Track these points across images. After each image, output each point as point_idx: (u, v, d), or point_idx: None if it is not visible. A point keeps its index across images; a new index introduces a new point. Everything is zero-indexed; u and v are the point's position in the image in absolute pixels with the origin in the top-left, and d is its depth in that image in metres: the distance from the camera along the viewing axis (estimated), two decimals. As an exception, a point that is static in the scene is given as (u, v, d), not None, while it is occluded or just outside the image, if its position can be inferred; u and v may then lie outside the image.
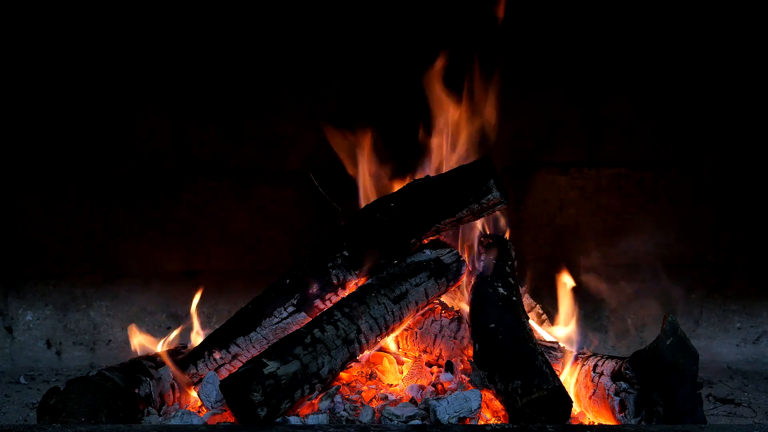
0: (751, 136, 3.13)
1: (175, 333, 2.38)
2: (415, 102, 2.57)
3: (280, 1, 3.01)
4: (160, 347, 2.30)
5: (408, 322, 2.23)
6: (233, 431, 1.84)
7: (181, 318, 3.02)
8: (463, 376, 2.16)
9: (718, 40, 3.06)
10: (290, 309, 2.20)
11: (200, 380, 2.17)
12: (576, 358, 2.12)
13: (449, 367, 2.21)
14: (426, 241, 2.28)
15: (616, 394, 1.89)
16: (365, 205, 2.32)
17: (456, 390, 2.05)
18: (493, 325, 2.04)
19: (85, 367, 2.97)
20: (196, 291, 2.54)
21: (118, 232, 3.12)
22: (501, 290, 2.18)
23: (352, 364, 2.13)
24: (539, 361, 1.89)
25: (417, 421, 1.88)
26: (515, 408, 1.81)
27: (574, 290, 2.40)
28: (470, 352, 2.14)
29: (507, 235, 2.51)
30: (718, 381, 2.81)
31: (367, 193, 2.47)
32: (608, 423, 1.93)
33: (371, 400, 2.05)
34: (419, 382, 2.15)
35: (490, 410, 1.99)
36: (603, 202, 3.17)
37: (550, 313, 2.47)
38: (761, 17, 3.02)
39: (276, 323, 2.20)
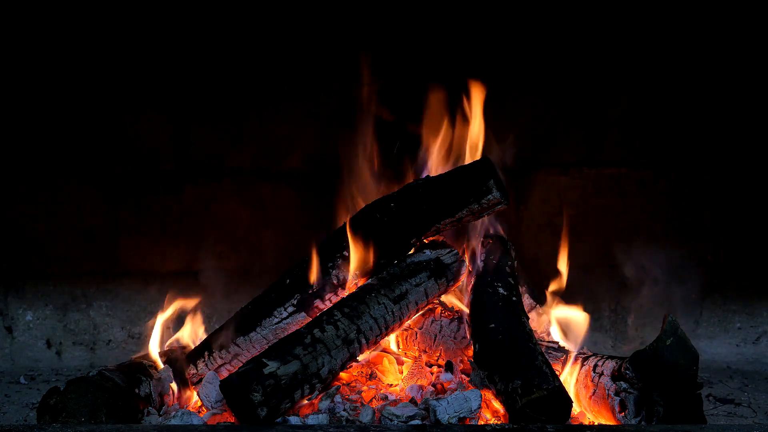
0: (752, 137, 3.13)
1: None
2: (416, 100, 2.57)
3: (280, 1, 3.01)
4: (157, 347, 2.30)
5: (408, 322, 2.23)
6: (233, 431, 1.84)
7: (182, 318, 3.02)
8: (463, 376, 2.16)
9: (719, 41, 3.06)
10: (290, 309, 2.20)
11: (200, 380, 2.17)
12: (576, 358, 2.12)
13: (449, 367, 2.21)
14: (426, 241, 2.28)
15: (617, 394, 1.89)
16: (365, 205, 2.32)
17: (456, 390, 2.05)
18: (493, 325, 2.04)
19: (85, 367, 2.97)
20: (192, 294, 2.52)
21: (118, 232, 3.11)
22: (501, 290, 2.18)
23: (352, 364, 2.13)
24: (539, 361, 1.89)
25: (417, 421, 1.88)
26: (515, 408, 1.81)
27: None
28: (470, 352, 2.14)
29: (507, 235, 2.51)
30: (718, 381, 2.81)
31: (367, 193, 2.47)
32: (608, 423, 1.93)
33: (371, 400, 2.05)
34: (419, 382, 2.15)
35: (490, 410, 1.99)
36: (603, 202, 3.16)
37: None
38: (762, 18, 3.02)
39: (276, 323, 2.20)
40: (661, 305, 3.14)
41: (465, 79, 2.51)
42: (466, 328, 2.22)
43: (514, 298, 2.17)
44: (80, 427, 1.77)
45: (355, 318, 2.03)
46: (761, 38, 3.05)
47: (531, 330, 2.06)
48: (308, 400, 1.94)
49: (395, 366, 2.25)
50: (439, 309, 2.30)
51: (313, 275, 2.21)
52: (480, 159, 2.25)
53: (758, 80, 3.08)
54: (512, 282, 2.26)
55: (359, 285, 2.19)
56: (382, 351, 2.29)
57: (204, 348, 2.25)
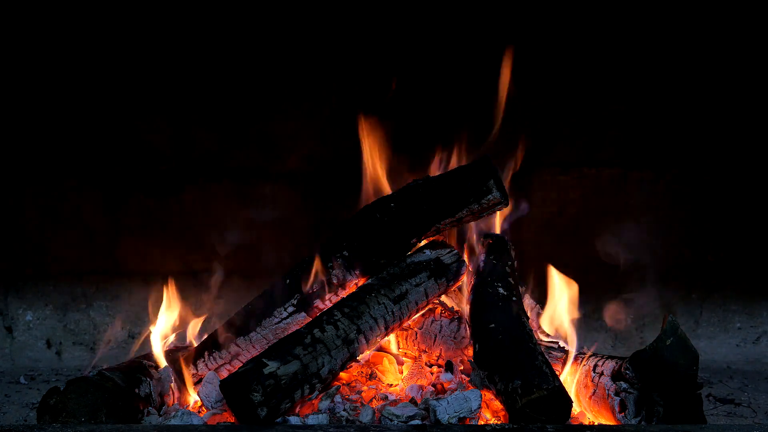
0: (752, 138, 3.13)
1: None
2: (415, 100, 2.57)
3: (280, 2, 3.01)
4: (160, 347, 2.29)
5: (408, 322, 2.23)
6: (233, 431, 1.84)
7: (182, 318, 3.02)
8: (463, 376, 2.16)
9: (720, 43, 3.06)
10: (290, 309, 2.20)
11: (200, 380, 2.17)
12: (576, 358, 2.12)
13: (449, 367, 2.21)
14: (426, 241, 2.28)
15: (617, 394, 1.89)
16: (365, 205, 2.32)
17: (456, 390, 2.05)
18: (493, 325, 2.04)
19: (85, 367, 2.97)
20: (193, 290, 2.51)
21: (118, 232, 3.12)
22: (501, 290, 2.18)
23: (352, 364, 2.13)
24: (539, 361, 1.89)
25: (417, 421, 1.88)
26: (515, 408, 1.81)
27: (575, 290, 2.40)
28: (470, 352, 2.14)
29: (507, 235, 2.51)
30: (718, 381, 2.81)
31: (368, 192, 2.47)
32: (608, 423, 1.93)
33: (371, 400, 2.05)
34: (419, 382, 2.15)
35: (490, 410, 1.99)
36: (603, 202, 3.16)
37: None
38: (761, 19, 3.02)
39: (276, 323, 2.20)
40: (661, 305, 3.15)
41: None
42: (466, 328, 2.22)
43: (514, 298, 2.17)
44: (80, 427, 1.77)
45: (355, 318, 2.03)
46: (761, 40, 3.05)
47: (531, 330, 2.06)
48: (308, 400, 1.94)
49: (395, 366, 2.25)
50: (439, 309, 2.30)
51: (313, 275, 2.21)
52: (480, 159, 2.24)
53: (758, 81, 3.08)
54: (512, 282, 2.26)
55: (359, 285, 2.19)
56: (382, 351, 2.29)
57: (204, 348, 2.25)
